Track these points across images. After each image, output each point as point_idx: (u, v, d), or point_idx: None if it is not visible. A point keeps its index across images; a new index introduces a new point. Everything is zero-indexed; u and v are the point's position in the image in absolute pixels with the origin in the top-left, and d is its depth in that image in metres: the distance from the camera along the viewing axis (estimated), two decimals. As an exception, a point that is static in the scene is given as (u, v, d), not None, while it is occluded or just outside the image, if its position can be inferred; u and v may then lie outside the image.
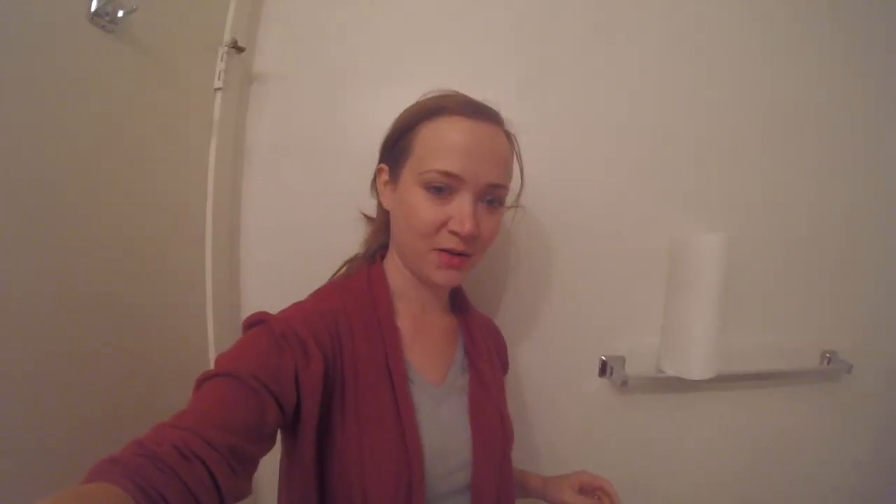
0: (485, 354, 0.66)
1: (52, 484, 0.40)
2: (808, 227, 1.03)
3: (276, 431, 0.46)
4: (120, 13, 0.55)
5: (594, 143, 0.90)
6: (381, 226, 0.66)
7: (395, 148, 0.58)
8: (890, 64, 1.08)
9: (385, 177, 0.61)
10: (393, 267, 0.63)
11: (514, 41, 0.87)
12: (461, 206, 0.54)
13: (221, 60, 0.74)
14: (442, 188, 0.53)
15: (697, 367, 0.88)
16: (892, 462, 1.24)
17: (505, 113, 0.60)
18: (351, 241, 0.73)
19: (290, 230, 0.82)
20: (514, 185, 0.63)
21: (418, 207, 0.54)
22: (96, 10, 0.53)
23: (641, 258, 0.93)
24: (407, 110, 0.60)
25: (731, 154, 0.97)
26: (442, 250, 0.55)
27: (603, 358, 0.93)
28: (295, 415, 0.48)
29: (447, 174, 0.53)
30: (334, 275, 0.68)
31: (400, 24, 0.84)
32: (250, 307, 0.81)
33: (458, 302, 0.70)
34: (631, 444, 0.97)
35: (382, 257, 0.65)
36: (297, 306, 0.56)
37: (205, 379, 0.44)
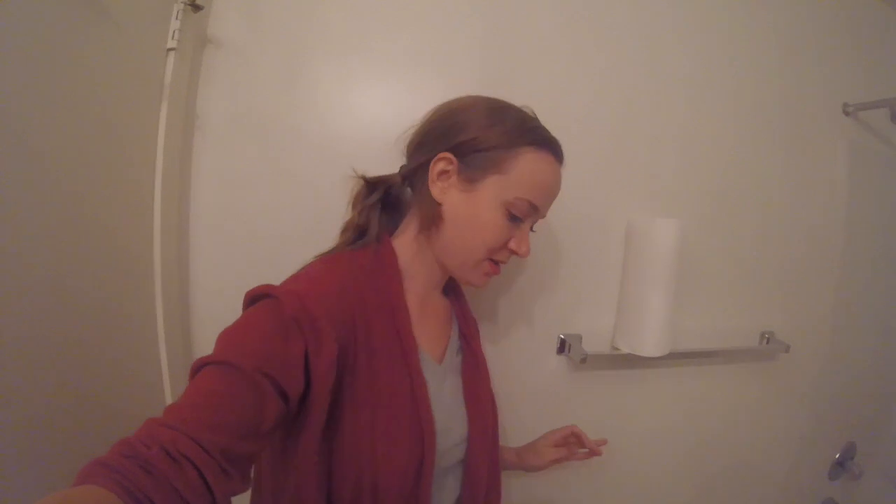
0: (476, 336, 0.71)
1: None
2: (752, 218, 1.10)
3: (276, 426, 0.43)
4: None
5: (556, 132, 0.91)
6: (424, 211, 0.60)
7: (481, 153, 0.56)
8: (830, 69, 1.16)
9: (446, 167, 0.58)
10: (406, 246, 0.62)
11: (480, 30, 0.86)
12: (526, 232, 0.60)
13: (176, 18, 0.67)
14: (521, 217, 0.58)
15: (650, 344, 0.92)
16: (826, 433, 1.36)
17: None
18: (306, 221, 0.71)
19: (242, 206, 0.77)
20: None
21: (497, 226, 0.57)
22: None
23: (599, 242, 0.96)
24: (502, 122, 0.57)
25: (685, 146, 1.01)
26: (493, 261, 0.60)
27: (561, 336, 0.96)
28: (300, 402, 0.46)
29: (534, 207, 0.58)
30: (335, 248, 0.64)
31: (370, 4, 0.80)
32: (200, 285, 0.77)
33: (452, 285, 0.72)
34: (589, 417, 1.00)
35: (389, 233, 0.65)
36: (307, 277, 0.53)
37: (202, 365, 0.41)
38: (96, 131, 0.59)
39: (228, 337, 0.44)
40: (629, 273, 0.96)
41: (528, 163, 0.56)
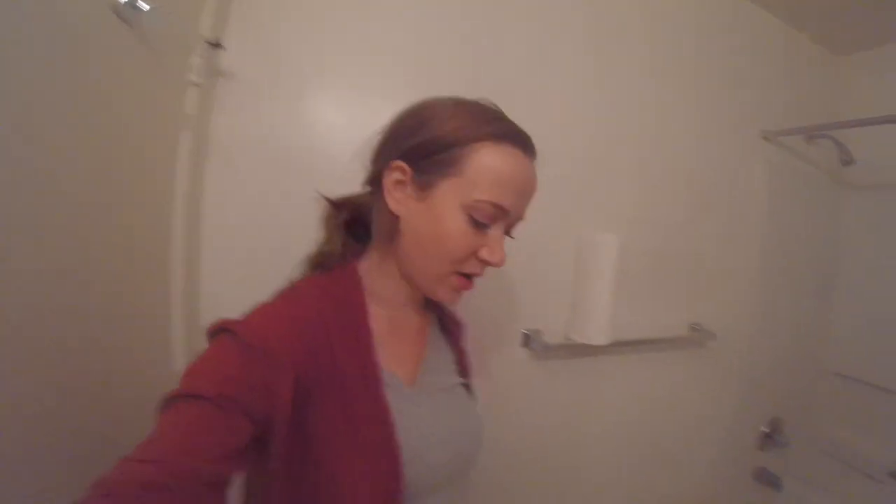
0: (458, 351, 0.69)
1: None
2: (679, 226, 1.31)
3: (247, 450, 0.43)
4: (146, 7, 0.57)
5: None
6: (383, 225, 0.57)
7: (434, 156, 0.51)
8: (751, 97, 1.38)
9: (401, 177, 0.53)
10: (372, 266, 0.59)
11: (468, 54, 0.99)
12: (497, 238, 0.54)
13: (199, 56, 0.75)
14: (487, 221, 0.52)
15: (597, 334, 1.10)
16: (753, 409, 1.59)
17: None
18: (308, 237, 0.77)
19: (250, 229, 0.84)
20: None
21: (458, 234, 0.51)
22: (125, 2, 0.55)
23: (554, 251, 1.14)
24: (455, 116, 0.52)
25: (621, 170, 1.21)
26: (463, 274, 0.55)
27: (524, 331, 1.12)
28: (267, 430, 0.45)
29: (501, 209, 0.52)
30: (300, 274, 0.63)
31: (363, 29, 0.91)
32: (210, 306, 0.82)
33: (432, 300, 0.67)
34: (551, 402, 1.18)
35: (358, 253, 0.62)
36: (265, 311, 0.51)
37: (171, 399, 0.41)
38: (124, 154, 0.63)
39: (192, 371, 0.44)
40: (579, 277, 1.13)
41: (486, 159, 0.50)
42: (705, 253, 1.36)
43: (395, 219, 0.55)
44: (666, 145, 1.26)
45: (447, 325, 0.71)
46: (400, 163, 0.53)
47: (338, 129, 0.90)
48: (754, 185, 1.45)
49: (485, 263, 0.55)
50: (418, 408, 0.56)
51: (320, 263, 0.61)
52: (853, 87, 1.65)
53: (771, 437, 1.66)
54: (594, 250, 1.10)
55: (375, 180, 0.57)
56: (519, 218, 0.56)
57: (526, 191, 0.55)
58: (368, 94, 0.92)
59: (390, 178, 0.54)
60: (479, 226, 0.52)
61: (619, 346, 1.15)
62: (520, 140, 0.53)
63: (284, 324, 0.49)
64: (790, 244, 1.57)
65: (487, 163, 0.51)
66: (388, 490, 0.48)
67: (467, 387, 0.69)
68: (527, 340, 1.12)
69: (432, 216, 0.52)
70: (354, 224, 0.63)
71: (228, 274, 0.84)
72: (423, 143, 0.52)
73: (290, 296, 0.55)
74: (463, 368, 0.69)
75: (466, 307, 1.03)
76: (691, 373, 1.39)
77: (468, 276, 0.56)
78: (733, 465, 1.61)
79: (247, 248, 0.85)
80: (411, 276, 0.57)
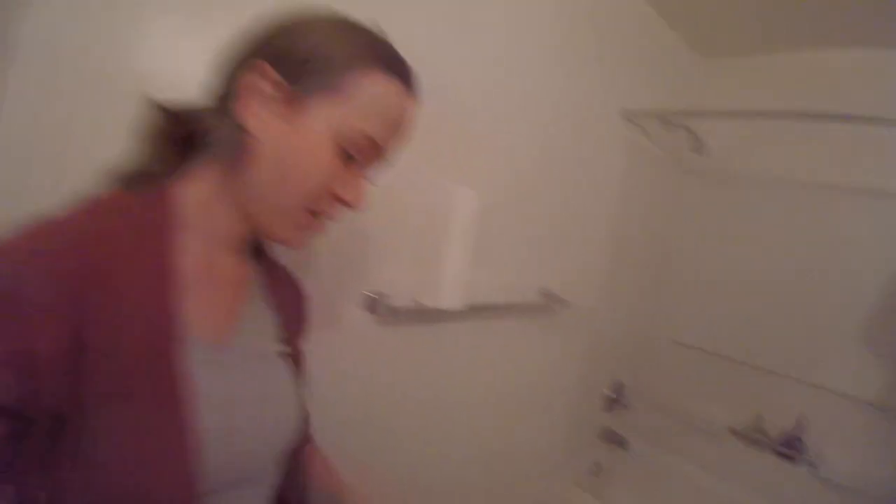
0: (285, 315, 0.59)
1: None
2: (535, 190, 1.30)
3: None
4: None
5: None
6: (226, 143, 0.47)
7: (315, 71, 0.44)
8: (610, 79, 1.42)
9: (266, 87, 0.44)
10: (196, 191, 0.48)
11: None
12: (357, 177, 0.49)
13: None
14: (356, 155, 0.47)
15: (450, 298, 1.03)
16: (598, 377, 1.70)
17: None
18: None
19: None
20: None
21: (322, 162, 0.45)
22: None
23: (406, 207, 1.03)
24: (346, 35, 0.46)
25: (480, 128, 1.14)
26: (313, 213, 0.48)
27: (368, 293, 1.01)
28: (33, 412, 0.34)
29: (376, 146, 0.48)
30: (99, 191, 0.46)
31: None
32: None
33: (258, 249, 0.58)
34: (396, 370, 1.09)
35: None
36: (35, 234, 0.38)
37: None
38: None
39: None
40: (431, 235, 1.05)
41: (375, 88, 0.46)
42: (559, 221, 1.38)
43: (247, 140, 0.45)
44: (529, 108, 1.23)
45: (278, 281, 0.61)
46: (267, 66, 0.44)
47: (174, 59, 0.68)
48: (612, 159, 1.52)
49: (341, 203, 0.49)
50: (224, 376, 0.46)
51: (132, 181, 0.47)
52: (712, 87, 1.83)
53: (616, 401, 1.80)
54: (450, 205, 1.02)
55: (227, 93, 0.46)
56: (384, 161, 0.51)
57: (402, 132, 0.51)
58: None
59: (252, 86, 0.44)
60: (346, 160, 0.47)
61: (472, 312, 1.10)
62: (410, 80, 0.50)
63: (62, 255, 0.36)
64: (636, 220, 1.70)
65: (376, 93, 0.46)
66: (177, 484, 0.38)
67: (291, 359, 0.58)
68: (372, 304, 1.02)
69: (296, 137, 0.45)
70: (183, 141, 0.50)
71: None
72: (304, 53, 0.44)
73: (77, 215, 0.41)
74: (290, 335, 0.59)
75: (305, 267, 0.93)
76: (542, 339, 1.41)
77: (318, 217, 0.49)
78: (582, 428, 1.71)
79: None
80: (254, 211, 0.48)
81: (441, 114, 1.04)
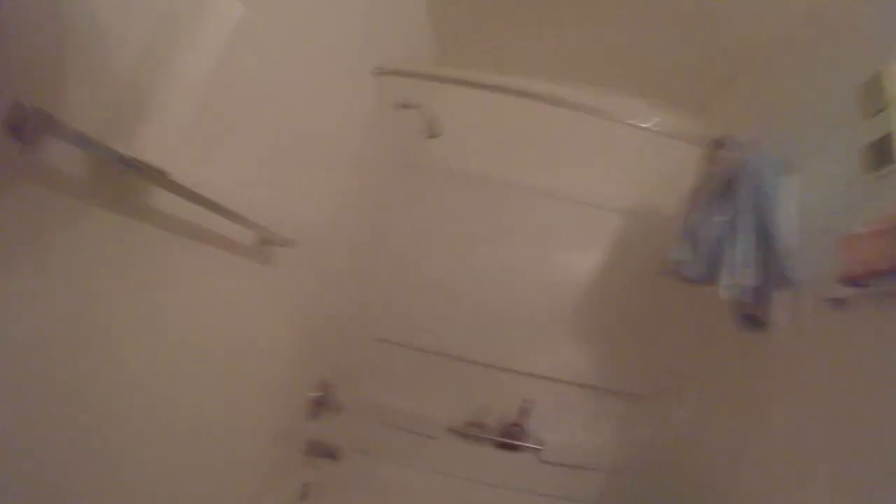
0: None
1: None
2: (293, 145, 1.06)
3: None
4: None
5: None
6: None
7: None
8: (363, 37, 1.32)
9: None
10: None
11: None
12: None
13: None
14: None
15: (160, 148, 0.59)
16: (302, 377, 1.41)
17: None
18: None
19: None
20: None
21: None
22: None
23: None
24: None
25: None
26: None
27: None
28: None
29: None
30: None
31: None
32: None
33: None
34: None
35: None
36: None
37: None
38: None
39: None
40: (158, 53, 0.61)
41: None
42: (298, 153, 1.12)
43: None
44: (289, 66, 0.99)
45: None
46: None
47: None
48: (361, 114, 1.39)
49: None
50: None
51: None
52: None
53: (322, 405, 1.50)
54: (196, 19, 0.63)
55: None
56: None
57: None
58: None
59: None
60: None
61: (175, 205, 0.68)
62: None
63: None
64: (360, 210, 1.57)
65: None
66: None
67: None
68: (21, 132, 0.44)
69: None
70: None
71: None
72: None
73: None
74: None
75: None
76: (261, 280, 1.07)
77: None
78: (287, 443, 1.35)
79: None
80: None
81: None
